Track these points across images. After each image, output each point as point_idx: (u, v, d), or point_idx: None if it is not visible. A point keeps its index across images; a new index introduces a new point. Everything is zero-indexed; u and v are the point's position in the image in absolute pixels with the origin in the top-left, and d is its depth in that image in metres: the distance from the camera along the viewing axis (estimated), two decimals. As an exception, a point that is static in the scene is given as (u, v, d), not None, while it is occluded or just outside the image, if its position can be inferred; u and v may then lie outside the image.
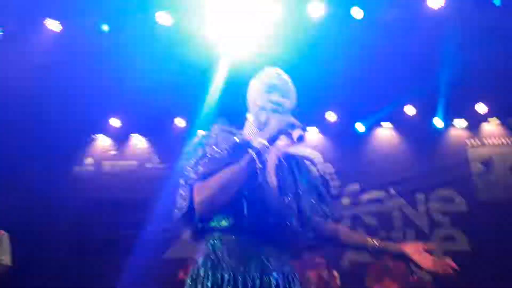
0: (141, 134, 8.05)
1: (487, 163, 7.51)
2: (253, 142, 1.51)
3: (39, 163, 7.56)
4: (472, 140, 7.67)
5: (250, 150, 1.45)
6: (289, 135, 1.48)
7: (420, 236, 7.02)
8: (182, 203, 1.56)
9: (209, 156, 1.54)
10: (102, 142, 8.15)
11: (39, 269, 6.80)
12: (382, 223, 7.08)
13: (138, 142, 8.11)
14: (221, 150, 1.54)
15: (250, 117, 1.73)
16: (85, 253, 7.21)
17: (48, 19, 5.51)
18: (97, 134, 8.13)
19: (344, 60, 6.18)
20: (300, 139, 1.46)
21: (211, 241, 1.55)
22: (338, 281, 4.95)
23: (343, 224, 7.07)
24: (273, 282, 1.49)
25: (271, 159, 1.64)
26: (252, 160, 1.43)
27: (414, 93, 6.94)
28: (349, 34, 5.64)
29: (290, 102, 1.68)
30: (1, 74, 6.10)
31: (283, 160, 1.69)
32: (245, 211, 1.48)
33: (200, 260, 1.55)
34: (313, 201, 1.68)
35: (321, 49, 5.80)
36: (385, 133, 7.83)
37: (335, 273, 5.02)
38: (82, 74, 6.62)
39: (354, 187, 7.35)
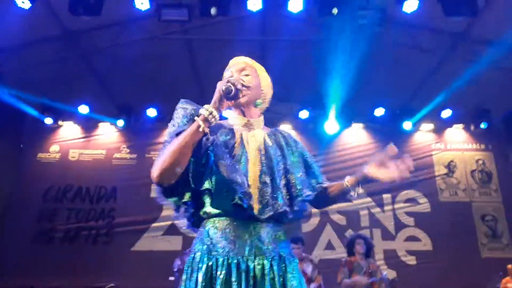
0: (110, 123, 7.82)
1: (449, 166, 7.86)
2: (200, 110, 1.52)
3: (3, 149, 7.24)
4: (438, 144, 7.99)
5: (196, 118, 1.48)
6: (226, 95, 1.51)
7: (386, 235, 7.25)
8: None
9: (168, 130, 1.57)
10: (69, 129, 7.88)
11: (2, 256, 6.56)
12: (350, 222, 7.25)
13: (107, 131, 7.89)
14: (177, 123, 1.56)
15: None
16: (49, 242, 6.98)
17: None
18: (64, 121, 7.85)
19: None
20: (227, 90, 1.50)
21: (206, 226, 1.55)
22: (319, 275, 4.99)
23: (311, 223, 7.23)
24: (267, 264, 1.49)
25: (256, 140, 1.66)
26: (198, 126, 1.45)
27: (385, 95, 7.13)
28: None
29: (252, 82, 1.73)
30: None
31: (268, 139, 1.69)
32: (209, 187, 1.49)
33: (196, 245, 1.55)
34: (302, 173, 1.66)
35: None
36: (355, 132, 8.01)
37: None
38: (51, 57, 6.39)
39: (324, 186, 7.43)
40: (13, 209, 7.14)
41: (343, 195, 1.72)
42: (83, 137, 7.84)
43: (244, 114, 1.72)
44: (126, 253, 6.87)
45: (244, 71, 1.74)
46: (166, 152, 1.45)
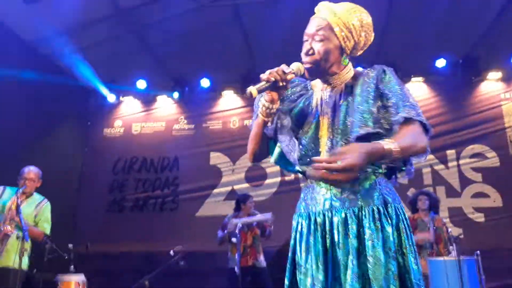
0: (167, 95, 8.09)
1: (521, 116, 7.27)
2: (260, 103, 1.70)
3: (73, 128, 7.78)
4: (507, 93, 7.40)
5: (259, 111, 1.69)
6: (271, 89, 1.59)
7: (451, 193, 6.97)
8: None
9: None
10: (130, 104, 8.25)
11: (80, 224, 7.18)
12: (413, 180, 7.03)
13: (165, 104, 8.17)
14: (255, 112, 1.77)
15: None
16: (121, 210, 7.52)
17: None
18: (124, 96, 8.22)
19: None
20: (249, 95, 1.53)
21: (303, 186, 1.72)
22: None
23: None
24: (341, 218, 1.52)
25: (331, 100, 1.65)
26: (260, 119, 1.69)
27: (446, 44, 6.67)
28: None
29: (326, 46, 1.61)
30: (24, 31, 6.18)
31: (344, 93, 1.63)
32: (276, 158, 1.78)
33: (297, 204, 1.71)
34: (363, 112, 1.53)
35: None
36: (415, 86, 7.61)
37: None
38: (105, 36, 6.64)
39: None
40: (87, 182, 7.73)
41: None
42: (143, 111, 8.19)
43: (320, 76, 1.69)
44: (191, 219, 7.24)
45: (316, 36, 1.61)
46: (249, 138, 1.77)
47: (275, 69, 1.56)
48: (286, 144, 1.65)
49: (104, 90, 7.92)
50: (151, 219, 7.37)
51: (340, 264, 1.47)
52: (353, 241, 1.47)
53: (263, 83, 1.53)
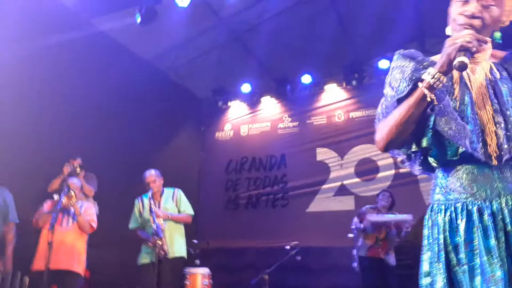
0: (270, 96, 8.32)
1: None
2: (424, 75, 1.34)
3: (189, 134, 8.47)
4: None
5: (419, 84, 1.34)
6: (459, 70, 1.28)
7: None
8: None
9: (385, 96, 1.50)
10: (237, 108, 8.66)
11: (201, 222, 7.77)
12: None
13: (269, 104, 8.41)
14: (393, 87, 1.45)
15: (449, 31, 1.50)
16: (236, 208, 7.94)
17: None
18: (231, 101, 8.66)
19: None
20: (460, 68, 1.25)
21: (438, 175, 1.48)
22: None
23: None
24: (506, 207, 1.33)
25: (482, 73, 1.44)
26: (423, 95, 1.32)
27: None
28: None
29: (494, 13, 1.40)
30: (142, 55, 6.90)
31: (496, 70, 1.44)
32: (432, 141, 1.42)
33: (433, 196, 1.49)
34: None
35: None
36: None
37: None
38: (212, 44, 7.07)
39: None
40: (204, 183, 8.34)
41: None
42: (249, 113, 8.54)
43: None
44: (302, 214, 7.32)
45: (490, 1, 1.39)
46: (389, 123, 1.40)
47: (470, 33, 1.31)
48: (451, 128, 1.36)
49: (213, 96, 8.44)
50: (264, 216, 7.64)
51: None
52: None
53: (462, 57, 1.26)
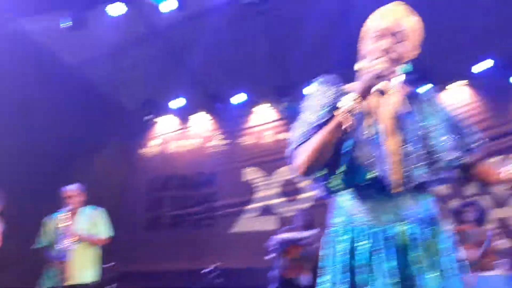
0: (203, 112, 8.20)
1: None
2: (342, 101, 1.41)
3: (112, 149, 8.04)
4: None
5: (336, 113, 1.40)
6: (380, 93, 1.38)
7: (499, 202, 6.59)
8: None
9: (303, 121, 1.53)
10: (166, 123, 8.42)
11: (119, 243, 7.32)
12: (455, 189, 6.68)
13: (200, 121, 8.29)
14: (311, 112, 1.51)
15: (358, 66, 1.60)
16: (158, 228, 7.63)
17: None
18: (162, 115, 8.41)
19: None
20: (381, 92, 1.34)
21: (341, 198, 1.54)
22: None
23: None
24: (410, 230, 1.43)
25: (392, 105, 1.52)
26: (342, 121, 1.38)
27: (490, 46, 6.37)
28: None
29: (405, 48, 1.51)
30: (67, 61, 6.48)
31: (405, 103, 1.54)
32: (347, 165, 1.45)
33: (333, 218, 1.55)
34: (446, 135, 1.51)
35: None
36: (458, 90, 7.26)
37: None
38: (143, 56, 6.85)
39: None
40: (125, 200, 7.90)
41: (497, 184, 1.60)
42: (179, 129, 8.34)
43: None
44: (227, 235, 7.22)
45: (399, 35, 1.50)
46: (309, 149, 1.44)
47: (382, 60, 1.40)
48: (363, 154, 1.43)
49: (142, 110, 8.13)
50: (188, 237, 7.41)
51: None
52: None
53: (383, 83, 1.36)
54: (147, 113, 8.16)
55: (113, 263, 5.40)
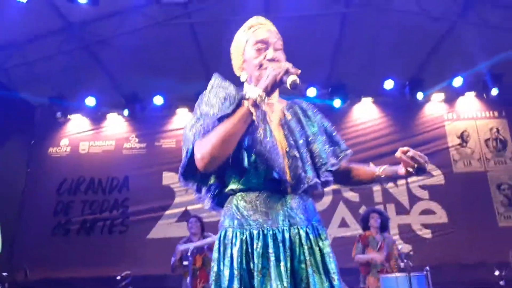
0: (118, 113, 7.84)
1: (462, 136, 7.70)
2: (249, 93, 1.45)
3: (15, 146, 7.33)
4: (450, 114, 7.83)
5: (245, 102, 1.43)
6: (283, 83, 1.43)
7: (400, 210, 7.19)
8: (184, 165, 1.55)
9: (203, 116, 1.51)
10: (78, 122, 7.91)
11: (20, 250, 6.69)
12: (364, 198, 7.20)
13: (115, 122, 7.91)
14: (213, 105, 1.49)
15: (244, 76, 1.69)
16: (66, 234, 7.10)
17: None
18: (72, 114, 7.87)
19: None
20: (294, 86, 1.41)
21: (234, 202, 1.53)
22: None
23: (324, 202, 7.18)
24: (303, 233, 1.48)
25: (275, 114, 1.61)
26: (249, 111, 1.41)
27: (394, 66, 6.97)
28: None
29: (283, 57, 1.65)
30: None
31: (286, 112, 1.65)
32: (247, 166, 1.47)
33: (226, 221, 1.53)
34: (325, 143, 1.64)
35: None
36: (365, 107, 7.89)
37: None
38: (54, 50, 6.37)
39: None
40: (29, 205, 7.26)
41: (371, 182, 1.71)
42: (91, 129, 7.88)
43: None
44: (142, 241, 6.96)
45: (277, 44, 1.63)
46: (214, 139, 1.41)
47: (287, 64, 1.47)
48: (263, 155, 1.47)
49: (51, 107, 7.54)
50: (99, 243, 7.01)
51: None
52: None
53: (294, 76, 1.41)
54: (56, 110, 7.60)
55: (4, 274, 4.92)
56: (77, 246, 6.95)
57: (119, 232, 7.15)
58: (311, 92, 7.46)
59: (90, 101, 7.52)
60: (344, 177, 1.73)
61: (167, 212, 7.17)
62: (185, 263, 4.72)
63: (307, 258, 1.44)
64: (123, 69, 6.88)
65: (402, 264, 4.38)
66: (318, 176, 1.56)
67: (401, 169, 1.60)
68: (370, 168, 1.71)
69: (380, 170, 1.66)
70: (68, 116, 7.85)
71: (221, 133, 1.41)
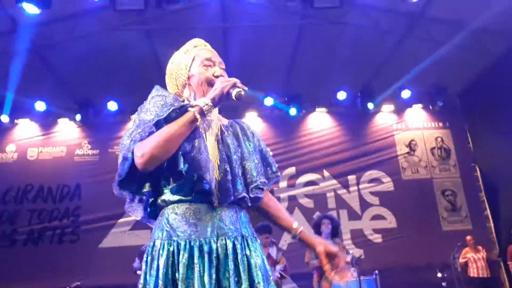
0: (69, 118, 7.59)
1: (410, 145, 8.12)
2: (196, 102, 1.52)
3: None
4: (399, 124, 8.23)
5: (191, 109, 1.48)
6: (229, 95, 1.51)
7: (352, 216, 7.44)
8: (121, 173, 1.53)
9: (144, 121, 1.50)
10: (26, 127, 7.57)
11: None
12: (318, 204, 7.39)
13: (67, 127, 7.64)
14: (151, 112, 1.51)
15: (187, 93, 1.73)
16: (11, 245, 6.76)
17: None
18: (20, 118, 7.53)
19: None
20: (239, 97, 1.49)
21: (165, 213, 1.53)
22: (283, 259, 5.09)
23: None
24: (230, 244, 1.50)
25: (214, 129, 1.65)
26: (194, 117, 1.47)
27: (346, 77, 7.24)
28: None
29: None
30: None
31: (224, 129, 1.69)
32: (181, 171, 1.47)
33: (155, 233, 1.53)
34: (258, 162, 1.69)
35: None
36: (319, 116, 8.13)
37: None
38: (6, 52, 6.10)
39: (291, 170, 7.58)
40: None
41: (284, 230, 1.77)
42: (41, 135, 7.57)
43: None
44: (94, 251, 6.75)
45: (221, 64, 1.72)
46: (157, 138, 1.43)
47: (235, 79, 1.55)
48: (200, 165, 1.48)
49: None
50: (48, 253, 6.73)
51: None
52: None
53: (240, 89, 1.50)
54: (1, 114, 7.23)
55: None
56: (24, 257, 6.64)
57: (69, 241, 6.89)
58: (268, 101, 7.58)
59: (40, 106, 7.23)
60: (261, 210, 1.78)
61: (121, 220, 7.00)
62: (139, 272, 4.65)
63: (231, 268, 1.47)
64: (76, 73, 6.69)
65: (352, 269, 4.54)
66: (248, 192, 1.61)
67: (319, 247, 1.68)
68: (288, 217, 1.79)
69: (298, 228, 1.73)
70: (16, 121, 7.51)
71: (165, 134, 1.44)
